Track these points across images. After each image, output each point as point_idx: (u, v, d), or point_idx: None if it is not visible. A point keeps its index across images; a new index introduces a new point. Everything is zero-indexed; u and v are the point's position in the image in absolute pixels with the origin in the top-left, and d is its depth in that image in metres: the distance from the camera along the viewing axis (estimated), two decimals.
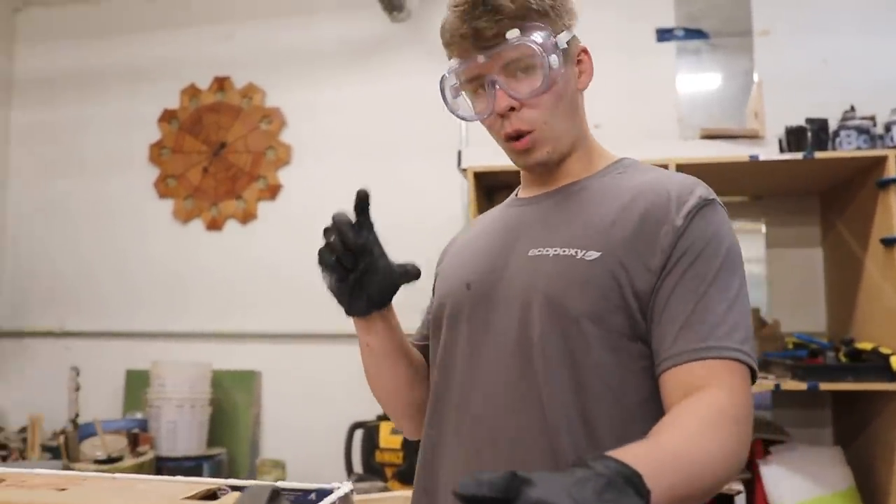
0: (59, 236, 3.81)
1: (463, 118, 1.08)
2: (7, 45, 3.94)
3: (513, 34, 0.97)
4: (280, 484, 0.98)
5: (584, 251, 0.95)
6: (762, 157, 2.39)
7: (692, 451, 0.78)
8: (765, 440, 2.51)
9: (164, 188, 3.73)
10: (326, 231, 0.98)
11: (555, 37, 1.00)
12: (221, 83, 3.73)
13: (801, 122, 2.49)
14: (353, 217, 0.99)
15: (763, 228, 3.07)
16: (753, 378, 0.92)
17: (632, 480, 0.63)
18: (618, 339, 0.94)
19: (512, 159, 1.08)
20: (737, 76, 3.19)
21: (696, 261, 0.93)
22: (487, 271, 1.04)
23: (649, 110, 3.22)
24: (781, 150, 2.45)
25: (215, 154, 3.69)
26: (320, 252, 0.98)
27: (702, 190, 0.98)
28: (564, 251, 0.97)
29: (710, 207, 0.97)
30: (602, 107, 3.24)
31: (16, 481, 1.04)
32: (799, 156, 2.37)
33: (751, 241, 3.11)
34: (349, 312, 1.05)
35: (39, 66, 3.93)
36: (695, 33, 3.25)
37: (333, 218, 0.98)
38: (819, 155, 2.37)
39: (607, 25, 3.29)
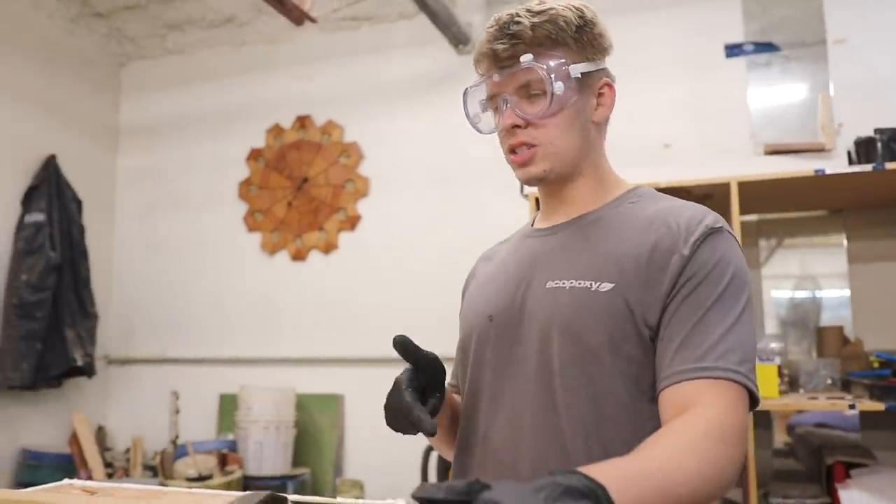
0: (160, 270, 4.11)
1: (480, 131, 1.14)
2: (114, 97, 4.32)
3: (525, 58, 1.02)
4: (352, 501, 1.06)
5: (598, 283, 0.99)
6: (829, 171, 2.33)
7: (669, 468, 0.80)
8: (846, 463, 2.42)
9: (252, 222, 3.97)
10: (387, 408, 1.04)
11: (567, 66, 1.04)
12: (303, 121, 3.95)
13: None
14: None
15: (844, 243, 2.96)
16: (753, 399, 0.93)
17: (595, 492, 0.67)
18: (633, 367, 0.96)
19: (515, 175, 1.12)
20: (812, 87, 3.11)
21: (699, 286, 0.95)
22: (508, 303, 1.07)
23: (720, 127, 3.18)
24: (851, 163, 2.37)
25: (298, 188, 3.90)
26: (390, 425, 1.05)
27: (710, 219, 1.00)
28: (580, 283, 1.00)
29: (717, 235, 0.99)
30: (672, 125, 3.27)
31: (106, 493, 1.19)
32: (868, 167, 2.29)
33: (831, 257, 3.00)
34: (432, 433, 1.01)
35: (141, 115, 4.29)
36: (765, 46, 3.19)
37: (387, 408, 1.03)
38: (890, 166, 2.29)
39: (675, 43, 3.30)
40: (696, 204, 1.06)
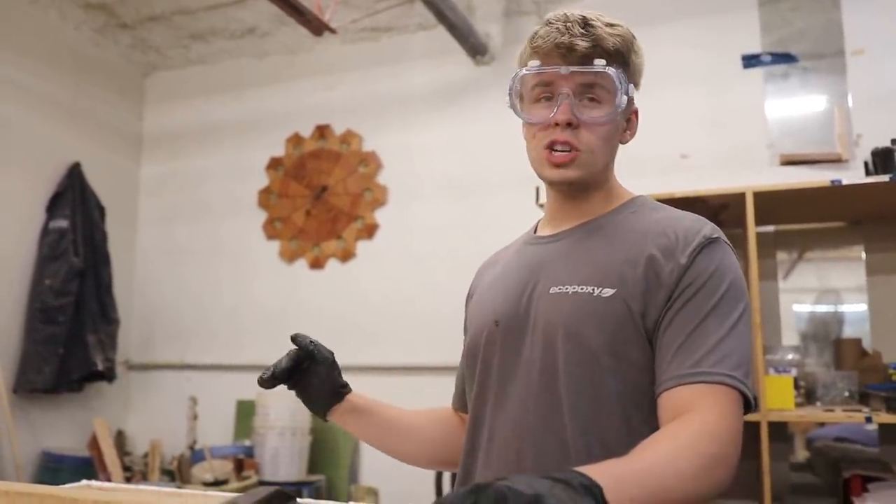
0: (181, 277, 4.17)
1: (528, 120, 1.10)
2: (137, 106, 4.40)
3: (600, 62, 1.04)
4: None
5: (600, 289, 1.01)
6: (845, 182, 2.31)
7: (661, 469, 0.82)
8: (864, 477, 2.39)
9: (271, 230, 4.02)
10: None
11: (629, 84, 1.08)
12: (322, 131, 4.00)
13: None
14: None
15: (863, 255, 2.93)
16: (748, 404, 0.94)
17: (591, 490, 0.69)
18: (633, 369, 0.99)
19: (539, 171, 1.10)
20: (830, 98, 3.09)
21: (696, 294, 0.98)
22: (513, 308, 1.10)
23: (737, 137, 3.18)
24: (868, 173, 2.36)
25: (317, 197, 3.95)
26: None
27: (707, 230, 1.03)
28: (582, 289, 1.03)
29: (714, 245, 1.02)
30: (689, 136, 3.27)
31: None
32: (885, 178, 2.28)
33: (849, 269, 2.98)
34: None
35: (164, 124, 4.36)
36: (783, 57, 3.19)
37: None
38: None
39: (692, 54, 3.30)
40: (693, 214, 1.08)
